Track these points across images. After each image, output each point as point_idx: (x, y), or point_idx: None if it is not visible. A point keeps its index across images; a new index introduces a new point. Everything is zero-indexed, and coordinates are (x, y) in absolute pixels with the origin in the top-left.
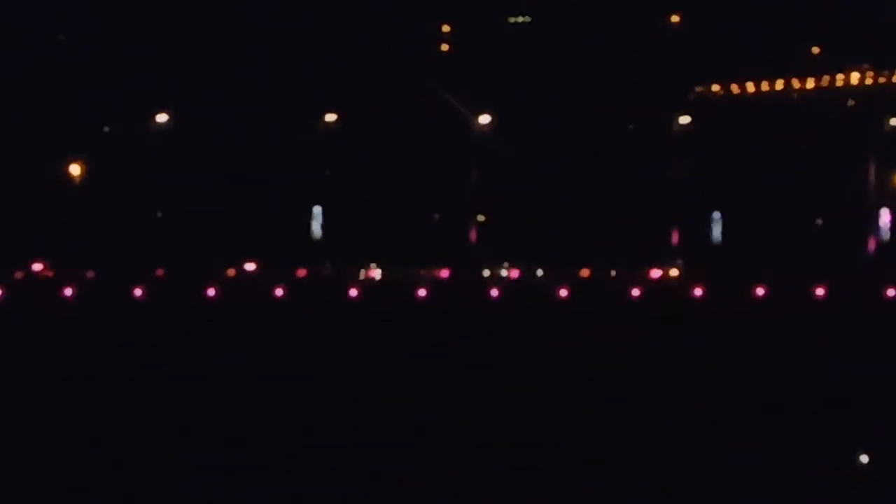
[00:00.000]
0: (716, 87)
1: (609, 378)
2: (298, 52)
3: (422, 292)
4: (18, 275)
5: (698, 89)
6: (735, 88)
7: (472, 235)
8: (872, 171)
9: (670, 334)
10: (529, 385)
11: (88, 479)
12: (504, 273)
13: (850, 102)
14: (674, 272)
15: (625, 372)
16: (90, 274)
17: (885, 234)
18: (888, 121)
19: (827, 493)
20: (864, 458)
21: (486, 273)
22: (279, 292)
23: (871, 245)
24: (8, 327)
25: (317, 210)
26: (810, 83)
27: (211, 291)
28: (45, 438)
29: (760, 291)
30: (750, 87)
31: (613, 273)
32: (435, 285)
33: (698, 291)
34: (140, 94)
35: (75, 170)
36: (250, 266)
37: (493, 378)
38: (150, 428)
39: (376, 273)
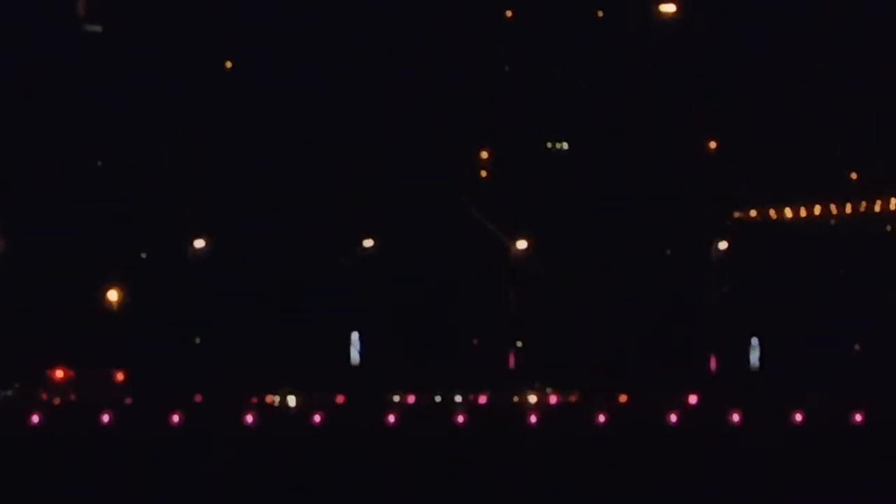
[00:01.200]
0: (753, 213)
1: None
2: (340, 175)
3: (460, 418)
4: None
5: (737, 214)
6: (773, 213)
7: (511, 360)
8: None
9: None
10: None
11: None
12: (545, 393)
13: (888, 228)
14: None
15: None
16: (128, 400)
17: None
18: None
19: None
20: None
21: (532, 399)
22: (317, 418)
23: None
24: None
25: (354, 336)
26: (848, 208)
27: (249, 418)
28: None
29: (798, 417)
30: (788, 212)
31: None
32: (473, 410)
33: (735, 417)
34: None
35: (113, 295)
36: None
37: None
38: None
39: (411, 398)
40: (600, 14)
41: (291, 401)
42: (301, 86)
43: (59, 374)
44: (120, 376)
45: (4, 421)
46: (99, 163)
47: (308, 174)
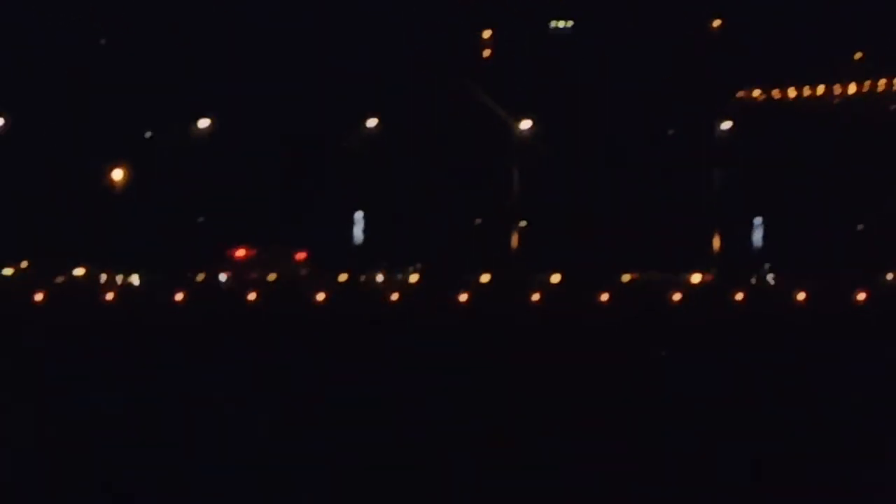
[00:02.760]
0: (757, 93)
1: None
2: (340, 56)
3: (463, 297)
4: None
5: (739, 94)
6: (777, 93)
7: (514, 240)
8: None
9: (711, 341)
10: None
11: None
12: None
13: (893, 107)
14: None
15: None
16: (132, 279)
17: None
18: None
19: None
20: None
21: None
22: (320, 297)
23: None
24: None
25: (358, 215)
26: (852, 88)
27: (252, 296)
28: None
29: (801, 296)
30: (791, 92)
31: (654, 277)
32: (476, 289)
33: (739, 296)
34: (183, 98)
35: (118, 175)
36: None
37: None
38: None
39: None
40: None
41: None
42: None
43: (241, 253)
44: (300, 255)
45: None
46: None
47: (310, 53)
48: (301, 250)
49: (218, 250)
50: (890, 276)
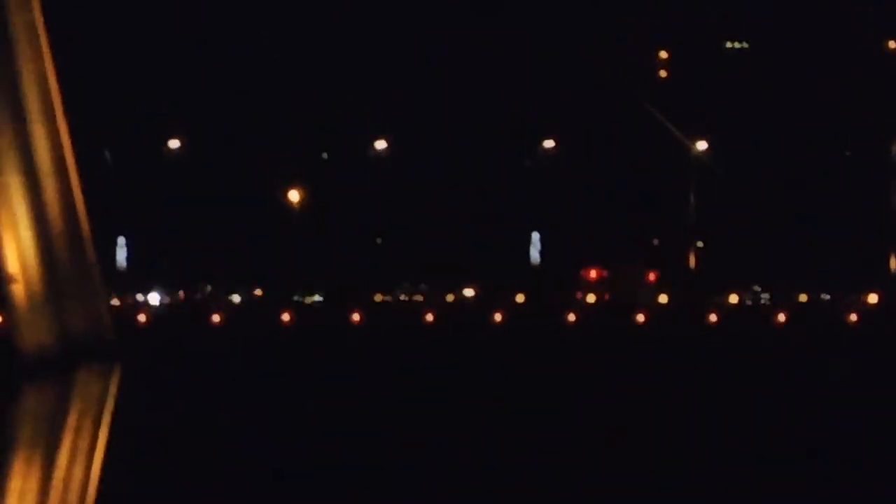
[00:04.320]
0: None
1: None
2: (519, 77)
3: (640, 318)
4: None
5: None
6: None
7: (692, 261)
8: None
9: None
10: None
11: None
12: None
13: None
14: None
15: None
16: (315, 299)
17: None
18: None
19: None
20: None
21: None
22: (429, 317)
23: None
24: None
25: (535, 236)
26: None
27: (429, 317)
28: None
29: None
30: None
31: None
32: (654, 313)
33: None
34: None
35: (294, 196)
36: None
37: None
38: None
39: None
40: None
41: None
42: None
43: (593, 274)
44: (652, 276)
45: None
46: None
47: (485, 74)
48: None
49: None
50: None
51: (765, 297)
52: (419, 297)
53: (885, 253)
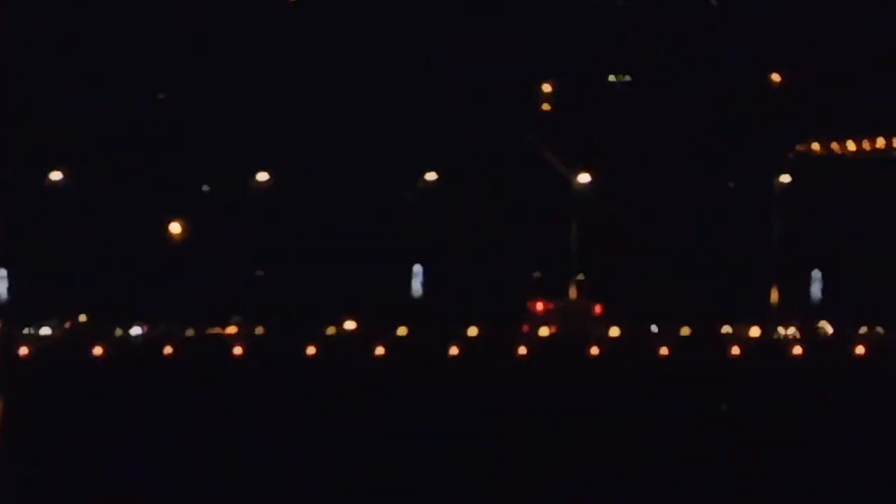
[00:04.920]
0: (816, 146)
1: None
2: (400, 109)
3: (522, 350)
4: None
5: (799, 148)
6: (835, 147)
7: (573, 291)
8: None
9: (770, 392)
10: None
11: None
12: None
13: None
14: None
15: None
16: (189, 333)
17: None
18: None
19: None
20: None
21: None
22: (380, 350)
23: None
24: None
25: (417, 268)
26: None
27: (311, 350)
28: None
29: (860, 350)
30: (851, 145)
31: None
32: (537, 343)
33: (797, 350)
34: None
35: (175, 228)
36: (350, 324)
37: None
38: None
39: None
40: None
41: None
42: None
43: (540, 306)
44: (598, 308)
45: None
46: None
47: (368, 108)
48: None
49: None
50: None
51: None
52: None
53: (767, 285)
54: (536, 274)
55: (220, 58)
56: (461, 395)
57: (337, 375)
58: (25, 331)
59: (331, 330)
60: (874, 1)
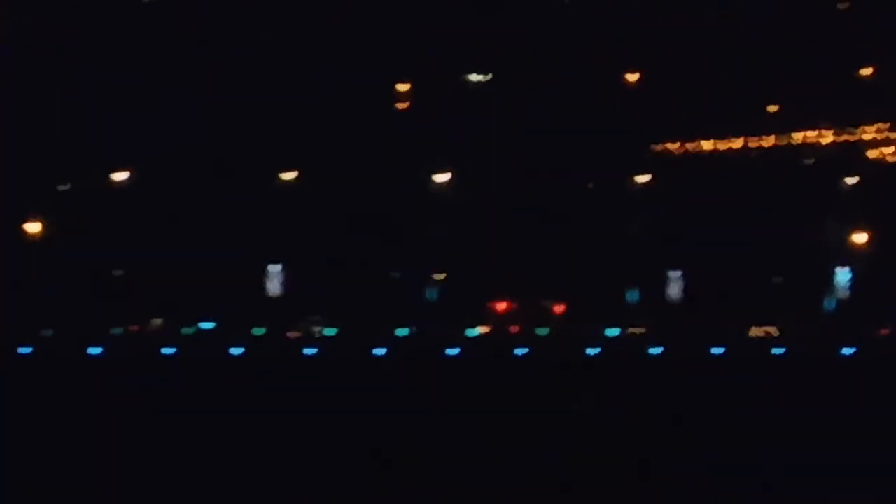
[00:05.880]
0: (673, 146)
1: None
2: (257, 108)
3: (380, 350)
4: None
5: (656, 147)
6: (692, 146)
7: (432, 293)
8: (832, 229)
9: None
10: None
11: None
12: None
13: (809, 161)
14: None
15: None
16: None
17: (844, 292)
18: (847, 179)
19: None
20: None
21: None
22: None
23: (830, 304)
24: None
25: (274, 269)
26: (768, 141)
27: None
28: None
29: (719, 350)
30: (707, 145)
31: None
32: (394, 343)
33: (658, 350)
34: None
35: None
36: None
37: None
38: None
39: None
40: None
41: None
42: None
43: (502, 305)
44: (560, 308)
45: None
46: None
47: (224, 107)
48: None
49: None
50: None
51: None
52: None
53: (624, 285)
54: (395, 273)
55: None
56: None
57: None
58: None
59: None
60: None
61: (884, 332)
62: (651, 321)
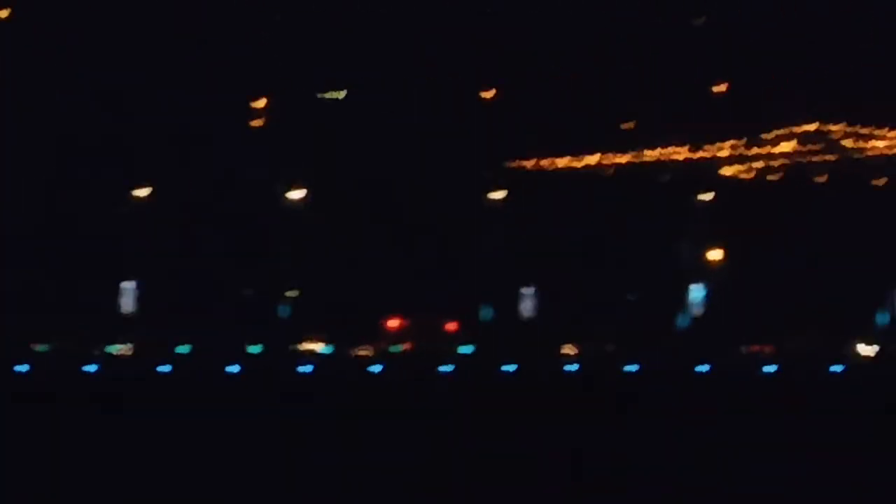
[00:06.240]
0: (529, 163)
1: None
2: (111, 126)
3: (233, 368)
4: None
5: (511, 164)
6: (547, 163)
7: (284, 310)
8: (686, 245)
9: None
10: None
11: None
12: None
13: (664, 178)
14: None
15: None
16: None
17: (698, 308)
18: (700, 195)
19: None
20: None
21: (300, 347)
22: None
23: (684, 319)
24: None
25: (128, 286)
26: (623, 158)
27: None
28: None
29: (574, 367)
30: (562, 162)
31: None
32: (247, 359)
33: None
34: None
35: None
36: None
37: None
38: None
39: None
40: None
41: None
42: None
43: (394, 323)
44: (452, 326)
45: None
46: None
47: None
48: None
49: None
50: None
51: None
52: None
53: (478, 302)
54: (247, 291)
55: None
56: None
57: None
58: None
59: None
60: (585, 18)
61: (754, 349)
62: (504, 338)
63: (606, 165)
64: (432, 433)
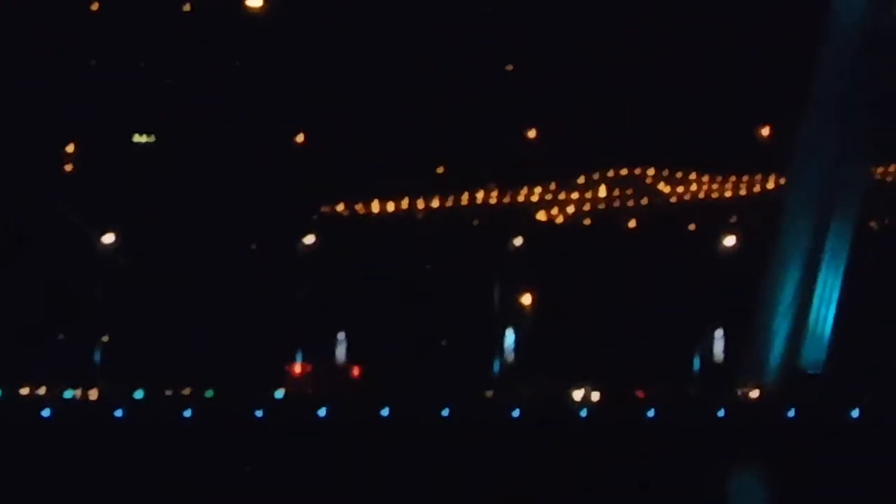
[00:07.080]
0: (340, 207)
1: None
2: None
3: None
4: None
5: (324, 209)
6: (360, 208)
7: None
8: (499, 289)
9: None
10: None
11: None
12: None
13: (476, 222)
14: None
15: None
16: None
17: (510, 353)
18: (515, 240)
19: None
20: None
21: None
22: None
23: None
24: None
25: None
26: (435, 202)
27: None
28: None
29: (385, 412)
30: (375, 206)
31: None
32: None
33: (323, 412)
34: None
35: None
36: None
37: None
38: None
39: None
40: (186, 7)
41: None
42: None
43: (297, 369)
44: (356, 371)
45: None
46: None
47: None
48: None
49: None
50: None
51: None
52: None
53: (292, 348)
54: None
55: None
56: None
57: None
58: None
59: None
60: (400, 61)
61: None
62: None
63: (419, 210)
64: None
